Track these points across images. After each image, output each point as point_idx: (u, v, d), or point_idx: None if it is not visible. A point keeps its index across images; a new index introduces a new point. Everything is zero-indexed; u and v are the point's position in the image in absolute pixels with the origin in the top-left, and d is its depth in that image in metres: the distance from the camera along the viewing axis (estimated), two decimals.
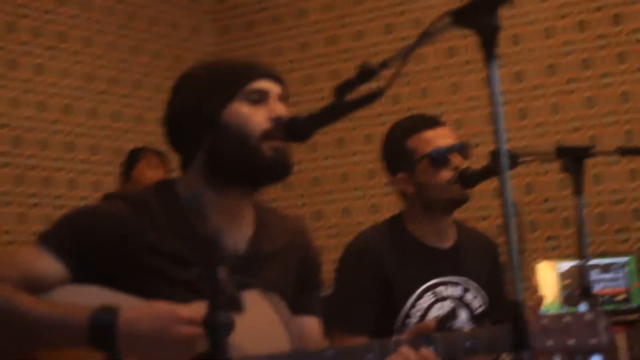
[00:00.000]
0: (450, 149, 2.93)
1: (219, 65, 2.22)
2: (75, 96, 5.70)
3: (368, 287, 2.91)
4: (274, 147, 2.13)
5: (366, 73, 1.91)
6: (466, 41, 5.68)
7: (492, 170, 2.84)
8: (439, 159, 2.91)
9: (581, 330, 2.19)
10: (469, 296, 2.98)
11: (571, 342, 2.18)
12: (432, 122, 3.00)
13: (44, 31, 5.62)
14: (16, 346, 2.03)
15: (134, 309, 1.92)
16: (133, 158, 4.87)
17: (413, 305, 2.91)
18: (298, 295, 2.29)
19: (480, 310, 2.99)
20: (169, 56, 6.33)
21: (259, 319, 2.11)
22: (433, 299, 2.93)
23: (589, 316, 2.20)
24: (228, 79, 2.16)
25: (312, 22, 6.32)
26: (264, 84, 2.17)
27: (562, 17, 5.62)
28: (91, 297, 1.98)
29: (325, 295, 2.75)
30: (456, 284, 2.98)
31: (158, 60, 6.26)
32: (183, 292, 2.04)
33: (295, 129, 2.03)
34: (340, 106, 1.97)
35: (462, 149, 2.96)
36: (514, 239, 1.60)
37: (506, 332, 2.14)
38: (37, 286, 2.04)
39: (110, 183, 5.66)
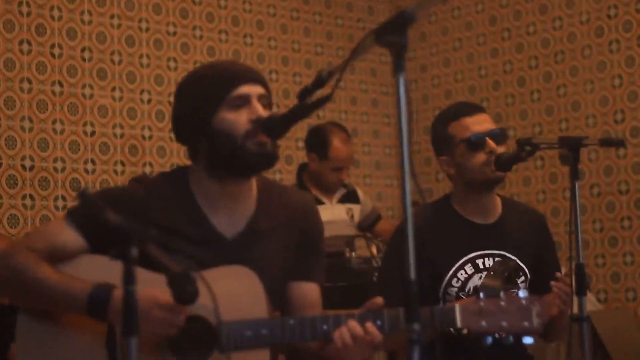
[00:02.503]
0: (486, 134, 3.20)
1: (206, 76, 2.57)
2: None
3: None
4: (257, 142, 2.49)
5: (319, 81, 2.29)
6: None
7: (521, 156, 3.10)
8: (475, 143, 3.19)
9: (515, 314, 2.41)
10: None
11: (504, 323, 2.41)
12: (472, 109, 3.29)
13: (215, 17, 6.11)
14: (28, 304, 2.48)
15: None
16: (324, 136, 5.07)
17: (453, 277, 3.19)
18: (299, 263, 2.64)
19: (520, 281, 3.23)
20: (342, 36, 6.71)
21: (241, 291, 2.46)
22: (472, 271, 3.20)
23: (524, 301, 2.41)
24: (213, 90, 2.52)
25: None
26: (244, 89, 2.52)
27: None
28: (102, 266, 2.33)
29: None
30: (496, 256, 3.23)
31: (331, 40, 6.64)
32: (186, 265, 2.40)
33: (270, 127, 2.45)
34: (303, 107, 2.39)
35: (497, 134, 3.22)
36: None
37: (447, 310, 2.43)
38: (60, 254, 2.48)
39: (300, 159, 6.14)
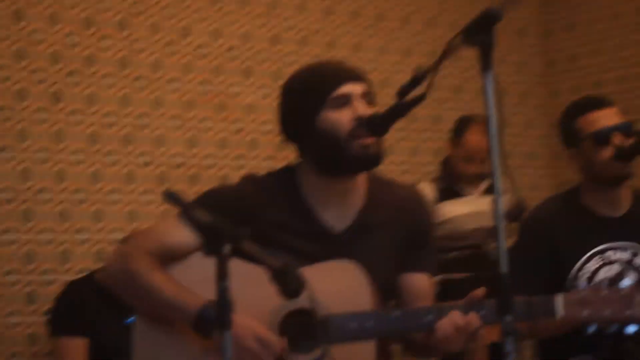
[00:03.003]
0: (613, 129, 3.18)
1: (308, 77, 2.64)
2: (393, 70, 6.22)
3: (534, 256, 3.25)
4: (361, 144, 2.55)
5: (416, 80, 2.36)
6: None
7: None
8: (601, 138, 3.18)
9: (617, 302, 2.42)
10: (638, 260, 3.21)
11: (607, 312, 2.42)
12: (599, 103, 3.28)
13: (361, 12, 6.20)
14: (141, 309, 2.59)
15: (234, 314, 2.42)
16: (462, 125, 5.17)
17: (581, 269, 3.20)
18: (409, 255, 2.69)
19: None
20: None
21: (346, 285, 2.54)
22: (600, 263, 3.20)
23: (626, 290, 2.42)
24: (316, 91, 2.58)
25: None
26: (346, 88, 2.58)
27: None
28: (211, 265, 2.43)
29: None
30: (625, 248, 3.23)
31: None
32: (295, 259, 2.52)
33: (374, 125, 2.53)
34: (402, 106, 2.46)
35: (625, 128, 3.20)
36: None
37: (545, 300, 2.46)
38: (174, 253, 2.58)
39: (429, 151, 6.18)
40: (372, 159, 2.58)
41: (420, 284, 2.70)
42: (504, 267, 2.03)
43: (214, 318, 2.36)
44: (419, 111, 5.88)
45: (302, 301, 2.44)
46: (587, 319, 2.44)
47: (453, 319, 2.43)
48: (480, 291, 2.48)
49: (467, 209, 5.05)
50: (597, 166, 3.22)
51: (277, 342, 2.43)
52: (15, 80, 4.98)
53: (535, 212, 3.40)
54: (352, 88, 2.58)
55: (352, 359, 2.48)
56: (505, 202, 5.22)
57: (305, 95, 2.60)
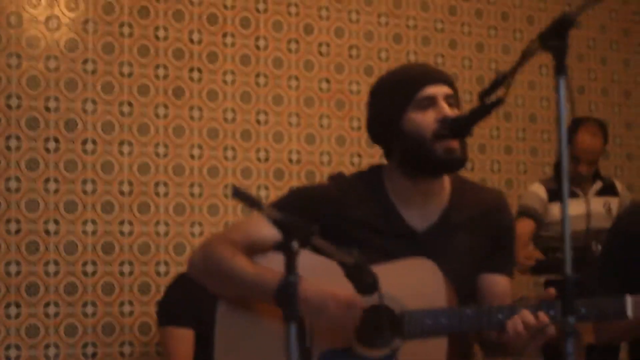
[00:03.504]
0: None
1: (394, 78, 2.71)
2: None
3: (624, 258, 3.20)
4: (445, 147, 2.59)
5: (497, 83, 2.37)
6: None
7: None
8: None
9: None
10: None
11: None
12: None
13: (484, 12, 6.15)
14: (224, 292, 2.69)
15: (311, 283, 2.48)
16: (575, 125, 5.16)
17: None
18: (490, 256, 2.73)
19: None
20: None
21: (422, 282, 2.58)
22: None
23: None
24: (401, 92, 2.64)
25: None
26: (431, 90, 2.62)
27: None
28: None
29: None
30: None
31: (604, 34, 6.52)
32: (378, 256, 2.59)
33: (457, 127, 2.56)
34: (484, 108, 2.48)
35: None
36: None
37: (615, 301, 2.44)
38: (258, 247, 2.66)
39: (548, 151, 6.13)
40: (456, 161, 2.61)
41: (499, 285, 2.73)
42: (568, 269, 2.01)
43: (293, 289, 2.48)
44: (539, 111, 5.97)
45: (379, 297, 2.48)
46: None
47: (523, 318, 2.45)
48: (552, 291, 2.47)
49: (578, 210, 5.07)
50: None
51: (356, 299, 2.46)
52: (138, 75, 5.14)
53: (627, 214, 3.34)
54: (437, 90, 2.63)
55: (424, 357, 2.52)
56: (616, 204, 5.19)
57: (390, 96, 2.67)
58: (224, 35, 5.36)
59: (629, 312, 2.43)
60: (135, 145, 5.11)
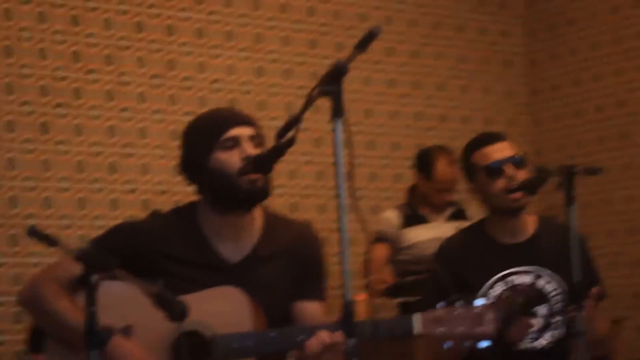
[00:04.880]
0: (503, 162, 3.40)
1: (202, 122, 2.91)
2: (375, 101, 6.48)
3: (445, 284, 3.47)
4: (249, 180, 2.81)
5: (289, 124, 2.60)
6: None
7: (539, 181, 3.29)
8: (493, 171, 3.40)
9: (470, 321, 2.65)
10: (541, 282, 3.43)
11: (460, 329, 2.65)
12: (492, 138, 3.49)
13: (345, 44, 6.45)
14: (48, 330, 2.84)
15: (119, 341, 2.69)
16: (429, 157, 5.35)
17: (485, 294, 3.40)
18: (300, 285, 2.93)
19: (554, 293, 3.40)
20: (474, 59, 6.91)
21: (228, 309, 2.78)
22: (504, 287, 3.42)
23: (478, 309, 2.65)
24: (207, 134, 2.85)
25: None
26: (235, 132, 2.84)
27: None
28: (119, 289, 2.69)
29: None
30: (527, 272, 3.44)
31: (463, 64, 6.86)
32: (193, 288, 2.78)
33: (260, 163, 2.80)
34: (280, 146, 2.72)
35: (516, 161, 3.41)
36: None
37: (403, 319, 2.70)
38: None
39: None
40: (260, 193, 2.84)
41: (312, 311, 2.93)
42: (348, 293, 2.29)
43: (104, 342, 2.53)
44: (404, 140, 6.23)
45: (191, 324, 2.68)
46: (442, 335, 2.65)
47: (320, 337, 2.65)
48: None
49: (431, 234, 5.23)
50: (492, 198, 3.42)
51: None
52: (5, 111, 5.31)
53: (445, 243, 3.62)
54: (240, 131, 2.84)
55: None
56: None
57: (199, 138, 2.87)
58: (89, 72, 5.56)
59: (418, 328, 2.66)
60: (4, 179, 5.27)
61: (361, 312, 4.98)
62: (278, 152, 2.75)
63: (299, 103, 2.53)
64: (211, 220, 2.91)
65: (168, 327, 2.72)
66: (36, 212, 5.32)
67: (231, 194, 2.82)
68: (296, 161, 6.04)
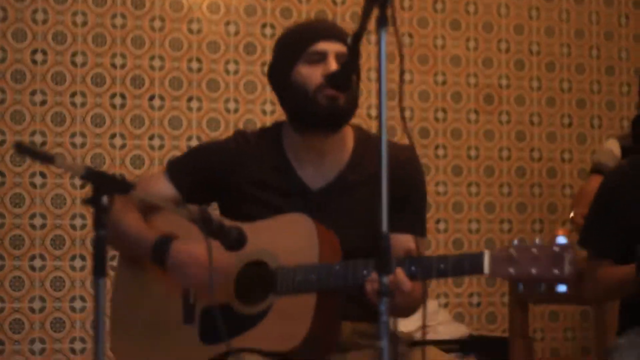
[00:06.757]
0: None
1: (292, 31, 2.72)
2: None
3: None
4: (327, 96, 2.57)
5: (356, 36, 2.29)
6: None
7: None
8: None
9: (546, 261, 2.27)
10: None
11: (534, 271, 2.28)
12: None
13: None
14: (116, 248, 2.76)
15: (180, 245, 2.53)
16: None
17: None
18: (394, 215, 2.57)
19: None
20: None
21: (296, 238, 2.53)
22: None
23: (556, 248, 2.27)
24: (294, 45, 2.65)
25: None
26: (322, 46, 2.62)
27: None
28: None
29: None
30: None
31: None
32: (268, 213, 2.60)
33: (336, 80, 2.52)
34: (353, 60, 2.46)
35: None
36: None
37: (470, 258, 2.37)
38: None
39: None
40: (338, 112, 2.59)
41: (405, 245, 2.58)
42: (384, 226, 1.98)
43: (166, 249, 2.54)
44: None
45: (256, 253, 2.52)
46: (513, 276, 2.29)
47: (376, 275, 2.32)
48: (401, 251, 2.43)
49: None
50: None
51: (221, 261, 2.46)
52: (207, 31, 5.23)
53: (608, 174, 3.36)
54: (328, 46, 2.62)
55: (293, 312, 2.47)
56: None
57: (286, 48, 2.69)
58: None
59: (486, 269, 2.32)
60: (204, 101, 5.19)
61: None
62: (352, 66, 2.50)
63: None
64: (294, 142, 2.70)
65: (236, 257, 2.55)
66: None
67: (307, 111, 2.60)
68: None
